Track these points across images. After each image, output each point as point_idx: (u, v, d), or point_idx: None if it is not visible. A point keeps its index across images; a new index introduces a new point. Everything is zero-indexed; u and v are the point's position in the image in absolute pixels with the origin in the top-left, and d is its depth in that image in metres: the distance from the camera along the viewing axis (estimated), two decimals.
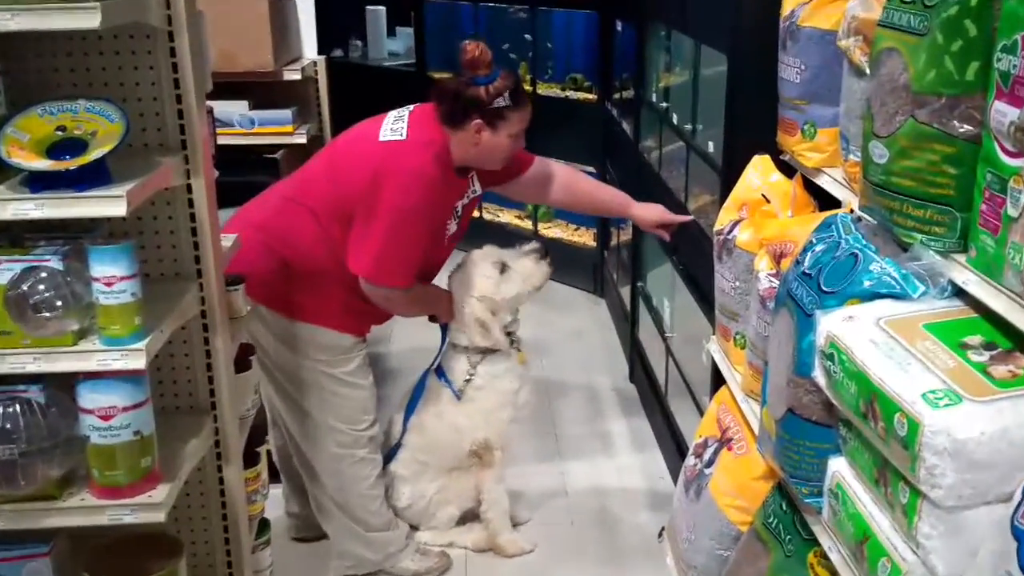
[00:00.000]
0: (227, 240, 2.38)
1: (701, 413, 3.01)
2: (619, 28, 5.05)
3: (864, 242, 1.83)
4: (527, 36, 5.84)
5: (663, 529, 2.88)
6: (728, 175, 2.72)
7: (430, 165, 2.74)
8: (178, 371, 2.26)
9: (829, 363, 1.71)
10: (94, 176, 1.85)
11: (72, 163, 1.84)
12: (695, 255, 3.18)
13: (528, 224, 6.01)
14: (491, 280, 3.07)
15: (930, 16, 1.58)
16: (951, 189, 1.60)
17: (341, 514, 3.06)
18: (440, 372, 3.17)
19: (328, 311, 2.89)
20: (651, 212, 3.26)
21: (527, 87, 5.32)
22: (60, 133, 1.90)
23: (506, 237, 3.78)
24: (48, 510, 1.96)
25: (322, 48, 4.42)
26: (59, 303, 1.88)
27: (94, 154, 1.85)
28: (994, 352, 1.54)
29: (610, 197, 3.41)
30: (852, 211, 1.99)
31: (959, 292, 1.67)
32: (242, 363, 2.40)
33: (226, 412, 2.26)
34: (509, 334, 3.15)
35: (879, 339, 1.63)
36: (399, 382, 4.12)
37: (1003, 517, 1.37)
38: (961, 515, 1.45)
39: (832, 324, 1.72)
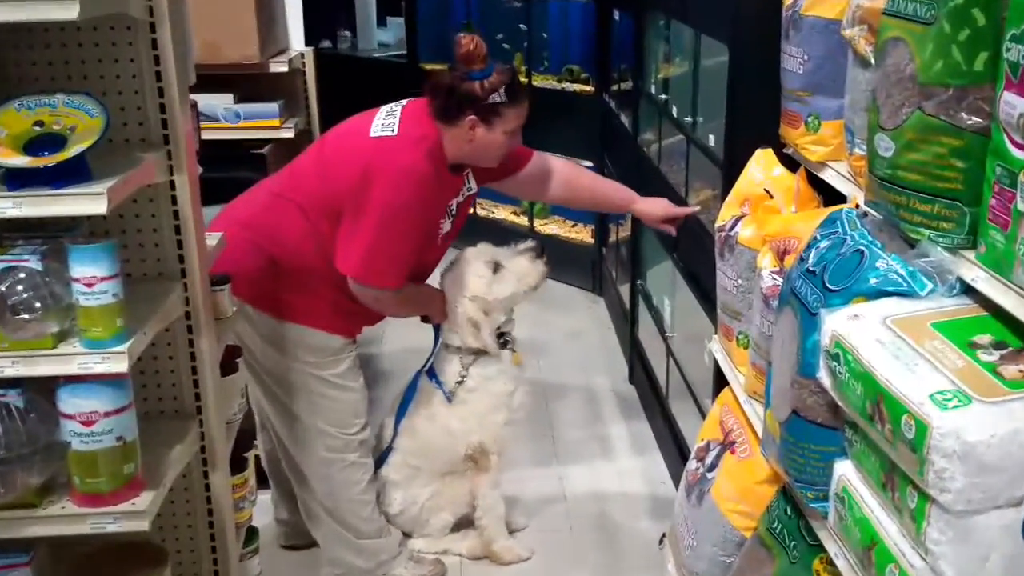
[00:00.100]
0: (212, 238, 2.37)
1: (703, 415, 3.02)
2: (617, 17, 5.06)
3: (870, 238, 1.83)
4: (522, 26, 5.85)
5: (664, 535, 2.88)
6: (730, 169, 2.72)
7: (422, 162, 2.74)
8: (162, 374, 2.25)
9: (834, 363, 1.71)
10: (73, 173, 1.84)
11: (50, 159, 1.83)
12: (696, 252, 3.18)
13: (524, 220, 6.01)
14: (483, 279, 3.06)
15: (937, 4, 1.58)
16: (959, 183, 1.60)
17: (331, 520, 3.06)
18: (432, 373, 3.17)
19: (317, 311, 2.89)
20: (656, 206, 3.25)
21: (522, 79, 5.32)
22: (38, 128, 1.89)
23: (501, 234, 3.78)
24: (28, 519, 1.95)
25: (310, 39, 4.42)
26: (38, 305, 1.87)
27: (73, 150, 1.84)
28: (1004, 351, 1.54)
29: (612, 192, 3.40)
30: (857, 206, 1.99)
31: (968, 290, 1.67)
32: (228, 366, 2.40)
33: (212, 416, 2.26)
34: (503, 334, 3.16)
35: (886, 338, 1.63)
36: (391, 384, 4.12)
37: (1014, 522, 1.38)
38: (971, 520, 1.45)
39: (837, 323, 1.72)
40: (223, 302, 2.38)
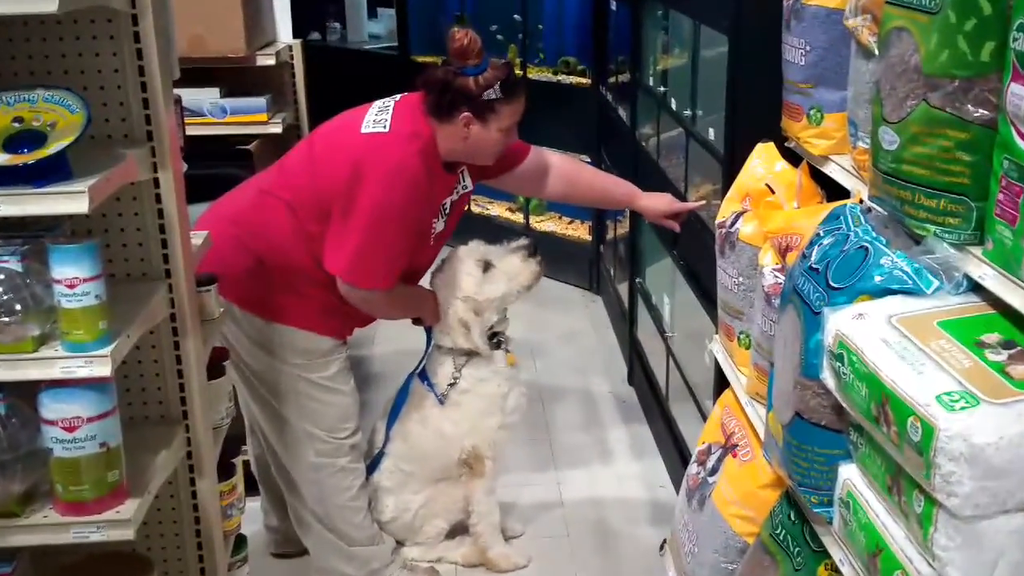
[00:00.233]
0: (197, 237, 2.37)
1: (704, 418, 3.02)
2: (613, 7, 5.06)
3: (874, 234, 1.84)
4: (516, 17, 5.85)
5: (664, 541, 2.88)
6: (730, 164, 2.72)
7: (414, 159, 2.73)
8: (147, 378, 2.25)
9: (838, 364, 1.71)
10: (54, 170, 1.83)
11: (30, 157, 1.83)
12: (696, 249, 3.18)
13: (519, 217, 6.02)
14: (473, 279, 3.06)
15: None
16: (966, 177, 1.60)
17: (321, 527, 3.06)
18: (424, 376, 3.17)
19: (306, 312, 2.89)
20: (659, 202, 3.24)
21: (516, 71, 5.32)
22: (17, 125, 1.89)
23: (496, 232, 3.79)
24: (9, 528, 1.95)
25: (298, 31, 4.41)
26: (18, 307, 1.87)
27: (53, 147, 1.84)
28: (1013, 351, 1.55)
29: (613, 187, 3.39)
30: (861, 201, 1.99)
31: (975, 287, 1.68)
32: (215, 369, 2.40)
33: (198, 421, 2.25)
34: (497, 334, 3.15)
35: (891, 338, 1.63)
36: (383, 387, 4.12)
37: (1023, 527, 1.38)
38: (979, 525, 1.45)
39: (841, 322, 1.73)
40: (209, 303, 2.38)
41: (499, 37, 5.86)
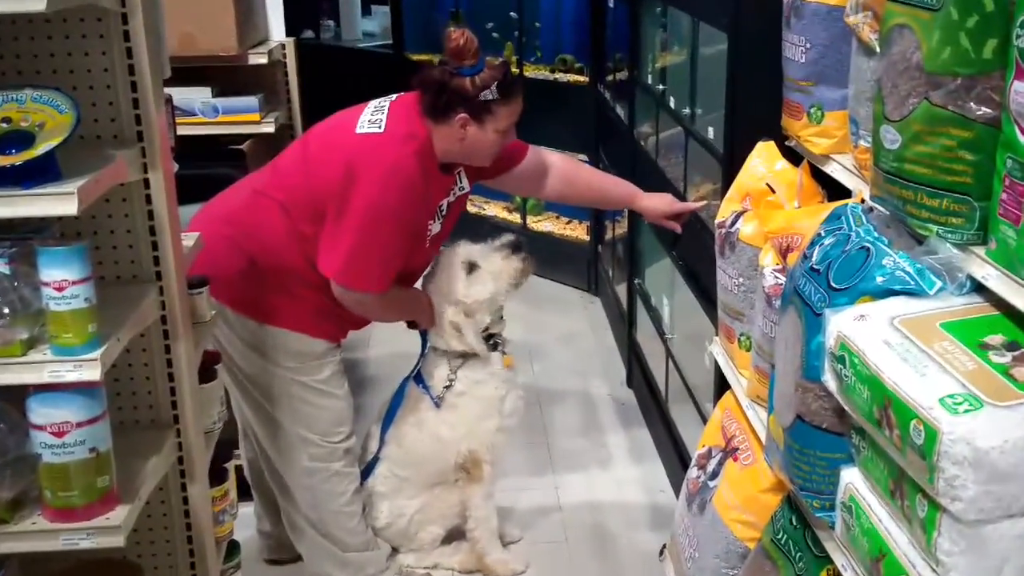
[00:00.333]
0: (189, 239, 2.37)
1: (704, 421, 3.02)
2: (611, 4, 5.06)
3: (876, 235, 1.84)
4: (513, 14, 5.85)
5: (664, 546, 2.88)
6: (730, 163, 2.72)
7: (410, 160, 2.73)
8: (137, 382, 2.25)
9: (840, 366, 1.71)
10: (42, 172, 1.83)
11: (18, 158, 1.83)
12: (696, 249, 3.18)
13: (516, 217, 6.01)
14: (459, 281, 3.06)
15: None
16: (968, 177, 1.61)
17: (315, 533, 3.06)
18: (419, 379, 3.17)
19: (299, 314, 2.88)
20: (660, 202, 3.24)
21: (513, 69, 5.32)
22: (5, 125, 1.89)
23: (492, 232, 3.77)
24: None
25: (291, 29, 4.40)
26: (6, 310, 1.87)
27: (42, 147, 1.84)
28: (1017, 352, 1.55)
29: (613, 187, 3.39)
30: (863, 201, 1.99)
31: (979, 288, 1.68)
32: (207, 372, 2.39)
33: (190, 426, 2.25)
34: (492, 336, 3.15)
35: (893, 340, 1.63)
36: (378, 391, 4.12)
37: None
38: (983, 529, 1.45)
39: (843, 324, 1.73)
40: (201, 305, 2.38)
41: (495, 35, 5.85)
